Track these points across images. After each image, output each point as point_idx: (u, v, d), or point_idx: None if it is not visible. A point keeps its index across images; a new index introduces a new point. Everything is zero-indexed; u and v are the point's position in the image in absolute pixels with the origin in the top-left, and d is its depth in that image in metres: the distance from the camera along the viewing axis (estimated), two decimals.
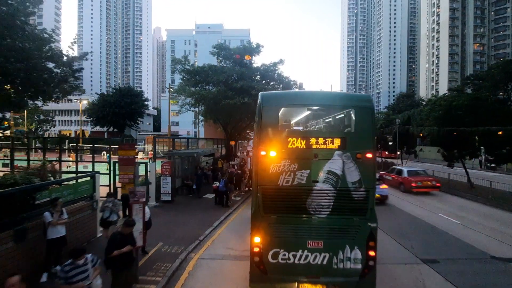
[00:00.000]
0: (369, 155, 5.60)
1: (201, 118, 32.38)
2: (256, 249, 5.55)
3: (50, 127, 59.53)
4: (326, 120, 7.57)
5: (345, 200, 5.51)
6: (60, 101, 13.81)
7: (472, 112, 18.73)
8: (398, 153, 34.74)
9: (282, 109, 6.15)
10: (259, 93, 6.02)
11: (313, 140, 5.73)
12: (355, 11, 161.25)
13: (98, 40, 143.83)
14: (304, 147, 5.65)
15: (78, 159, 20.89)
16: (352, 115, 5.82)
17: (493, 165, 32.16)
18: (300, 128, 8.73)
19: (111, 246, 5.28)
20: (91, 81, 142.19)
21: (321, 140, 5.70)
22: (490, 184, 17.26)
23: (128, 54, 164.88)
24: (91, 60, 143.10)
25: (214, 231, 10.51)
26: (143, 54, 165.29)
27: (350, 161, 5.56)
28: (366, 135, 5.66)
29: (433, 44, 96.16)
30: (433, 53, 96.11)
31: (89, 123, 72.61)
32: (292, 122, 9.21)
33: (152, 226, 8.86)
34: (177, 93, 24.17)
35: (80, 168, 21.60)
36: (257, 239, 5.55)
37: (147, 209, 7.67)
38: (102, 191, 11.40)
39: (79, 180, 9.09)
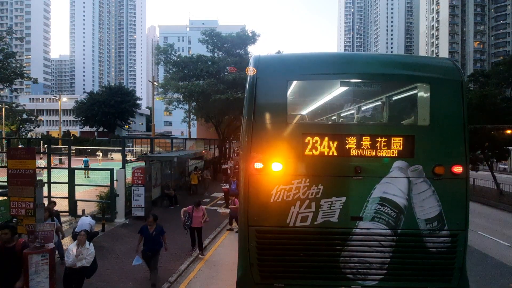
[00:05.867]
0: (457, 169, 3.08)
1: (193, 117, 29.76)
2: None
3: (34, 127, 56.27)
4: (375, 104, 4.38)
5: (413, 254, 3.24)
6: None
7: (481, 110, 17.86)
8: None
9: (294, 84, 3.49)
10: (252, 57, 3.42)
11: (351, 142, 3.18)
12: (352, 10, 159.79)
13: (91, 39, 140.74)
14: (335, 154, 3.13)
15: (54, 163, 18.06)
16: (425, 95, 3.24)
17: None
18: (325, 117, 4.87)
19: None
20: (84, 80, 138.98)
21: (366, 142, 3.15)
22: None
23: (122, 53, 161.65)
24: (83, 58, 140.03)
25: (194, 264, 7.83)
26: (137, 53, 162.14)
27: (422, 181, 3.08)
28: (451, 131, 3.13)
29: (433, 42, 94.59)
30: (433, 51, 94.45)
31: (78, 123, 69.48)
32: (308, 108, 4.84)
33: (110, 258, 7.02)
34: (163, 87, 21.46)
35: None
36: None
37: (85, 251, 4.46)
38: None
39: None
